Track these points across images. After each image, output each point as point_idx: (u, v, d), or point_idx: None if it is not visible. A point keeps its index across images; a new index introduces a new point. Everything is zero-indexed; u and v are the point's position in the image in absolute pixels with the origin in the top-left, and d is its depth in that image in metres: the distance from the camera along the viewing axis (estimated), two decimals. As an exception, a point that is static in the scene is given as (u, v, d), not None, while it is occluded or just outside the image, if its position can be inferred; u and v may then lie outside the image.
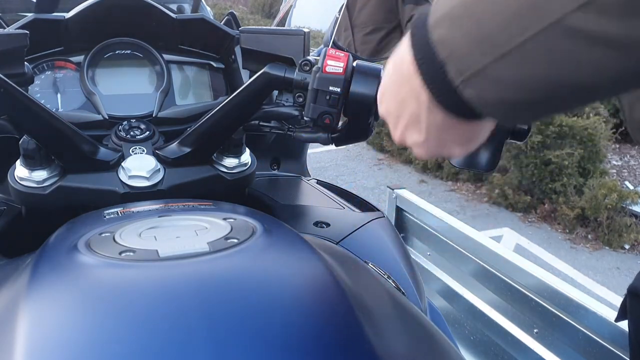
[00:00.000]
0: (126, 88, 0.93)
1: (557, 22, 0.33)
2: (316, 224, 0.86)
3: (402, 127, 0.47)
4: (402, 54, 0.43)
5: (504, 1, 0.35)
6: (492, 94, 0.37)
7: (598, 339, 1.13)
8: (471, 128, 0.44)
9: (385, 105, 0.49)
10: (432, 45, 0.39)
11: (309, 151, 1.22)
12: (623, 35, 0.31)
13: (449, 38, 0.38)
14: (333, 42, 0.93)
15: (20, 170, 0.76)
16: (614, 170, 4.85)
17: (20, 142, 0.74)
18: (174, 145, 0.83)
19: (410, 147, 0.49)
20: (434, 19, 0.39)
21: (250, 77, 0.79)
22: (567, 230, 3.95)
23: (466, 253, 1.49)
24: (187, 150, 0.82)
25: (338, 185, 1.09)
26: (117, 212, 0.65)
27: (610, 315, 1.09)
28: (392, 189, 1.75)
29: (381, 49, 1.66)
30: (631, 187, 4.51)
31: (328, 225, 0.85)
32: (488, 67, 0.36)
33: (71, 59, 0.92)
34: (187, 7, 4.29)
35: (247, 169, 0.88)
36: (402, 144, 0.50)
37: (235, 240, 0.54)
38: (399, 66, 0.44)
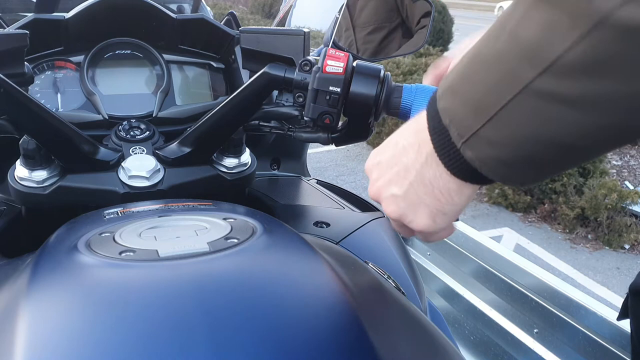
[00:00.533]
0: (126, 88, 0.93)
1: (526, 87, 0.37)
2: (316, 224, 0.86)
3: (386, 179, 0.51)
4: (421, 123, 0.47)
5: (486, 72, 0.40)
6: (487, 154, 0.42)
7: (598, 339, 1.13)
8: (460, 193, 0.47)
9: (379, 158, 0.53)
10: (438, 114, 0.44)
11: (309, 151, 1.22)
12: (581, 94, 0.35)
13: (449, 107, 0.43)
14: (333, 42, 0.93)
15: (20, 170, 0.76)
16: (614, 170, 4.85)
17: (20, 142, 0.74)
18: (174, 145, 0.83)
19: (382, 200, 0.53)
20: (440, 92, 0.45)
21: (250, 77, 0.79)
22: (567, 230, 3.95)
23: (466, 253, 1.49)
24: (187, 150, 0.82)
25: (338, 185, 1.09)
26: (117, 212, 0.65)
27: (611, 315, 1.09)
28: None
29: (383, 49, 1.65)
30: (631, 187, 4.51)
31: (328, 225, 0.85)
32: (480, 130, 0.41)
33: (71, 59, 0.92)
34: (187, 7, 4.29)
35: (247, 169, 0.88)
36: (377, 198, 0.54)
37: (235, 240, 0.54)
38: (416, 133, 0.48)
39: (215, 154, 0.86)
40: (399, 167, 0.50)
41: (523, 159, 0.41)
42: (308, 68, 0.70)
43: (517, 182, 0.45)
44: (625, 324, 0.86)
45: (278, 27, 1.04)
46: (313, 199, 0.99)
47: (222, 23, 1.01)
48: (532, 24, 0.37)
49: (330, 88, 0.66)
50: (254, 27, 0.82)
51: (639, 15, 0.32)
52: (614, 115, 0.36)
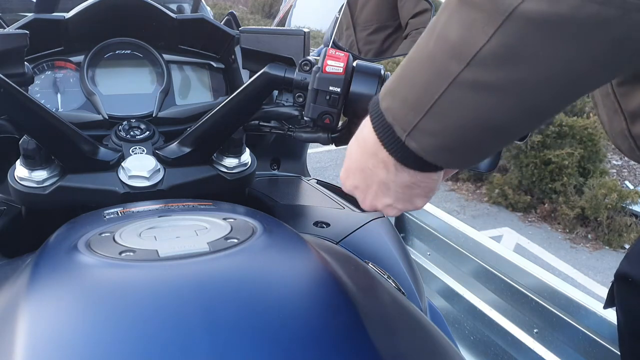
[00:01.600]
0: (126, 88, 0.93)
1: (454, 80, 0.43)
2: (316, 224, 0.86)
3: (372, 195, 0.57)
4: (364, 131, 0.53)
5: (420, 72, 0.46)
6: (428, 143, 0.47)
7: (598, 339, 1.13)
8: (430, 179, 0.53)
9: (351, 182, 0.59)
10: (382, 114, 0.50)
11: (309, 151, 1.22)
12: (499, 81, 0.41)
13: (391, 106, 0.49)
14: (333, 42, 0.93)
15: (20, 170, 0.76)
16: (614, 170, 4.85)
17: (20, 142, 0.74)
18: (174, 145, 0.83)
19: (381, 210, 0.58)
20: (381, 94, 0.50)
21: (250, 77, 0.79)
22: (567, 230, 3.96)
23: (466, 253, 1.49)
24: (187, 150, 0.82)
25: (338, 185, 1.09)
26: (117, 212, 0.65)
27: (611, 315, 1.09)
28: (392, 189, 1.74)
29: (386, 49, 1.64)
30: (631, 187, 4.51)
31: (328, 225, 0.85)
32: (420, 123, 0.46)
33: (71, 59, 0.92)
34: (187, 7, 4.30)
35: (247, 169, 0.88)
36: (373, 209, 0.59)
37: (235, 240, 0.54)
38: (363, 143, 0.53)
39: (215, 154, 0.86)
40: (377, 185, 0.55)
41: (460, 143, 0.46)
42: (308, 68, 0.70)
43: (460, 164, 0.51)
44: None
45: (278, 27, 1.04)
46: (313, 199, 0.99)
47: (222, 23, 1.01)
48: (455, 25, 0.42)
49: (330, 88, 0.66)
50: (254, 27, 0.82)
51: (539, 7, 0.37)
52: (528, 98, 0.42)
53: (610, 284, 0.85)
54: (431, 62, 0.45)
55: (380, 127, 0.50)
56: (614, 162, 4.99)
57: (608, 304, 0.87)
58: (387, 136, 0.50)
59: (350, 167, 0.58)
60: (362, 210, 0.93)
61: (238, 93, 0.77)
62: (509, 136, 0.47)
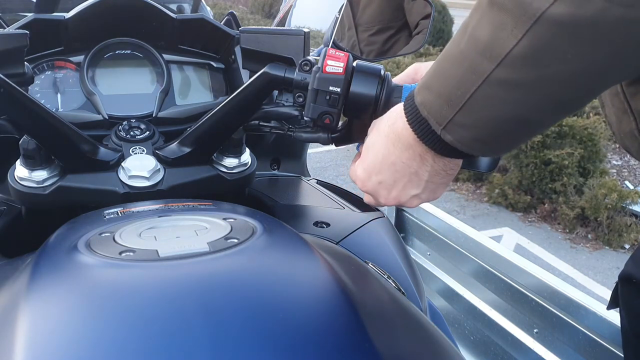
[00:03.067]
0: (126, 88, 0.93)
1: (486, 79, 0.46)
2: (316, 224, 0.86)
3: (399, 188, 0.60)
4: (397, 126, 0.56)
5: (454, 69, 0.48)
6: (463, 136, 0.50)
7: (598, 339, 1.13)
8: (457, 165, 0.58)
9: (376, 179, 0.61)
10: (417, 108, 0.52)
11: (309, 151, 1.22)
12: (530, 79, 0.44)
13: (426, 101, 0.51)
14: (333, 42, 0.93)
15: (20, 170, 0.76)
16: (614, 170, 4.85)
17: (20, 142, 0.74)
18: (174, 145, 0.83)
19: (404, 202, 0.61)
20: (417, 89, 0.53)
21: (250, 77, 0.79)
22: (567, 230, 3.95)
23: (466, 253, 1.49)
24: (187, 150, 0.82)
25: (338, 185, 1.09)
26: (117, 212, 0.65)
27: (611, 315, 1.09)
28: (392, 189, 1.74)
29: (387, 50, 1.63)
30: (631, 187, 4.50)
31: (328, 225, 0.85)
32: (454, 117, 0.49)
33: (71, 59, 0.92)
34: (187, 7, 4.30)
35: (247, 169, 0.88)
36: (395, 203, 0.62)
37: (235, 240, 0.54)
38: (395, 138, 0.56)
39: (215, 154, 0.86)
40: (408, 177, 0.58)
41: (493, 135, 0.50)
42: (308, 68, 0.70)
43: (493, 153, 0.55)
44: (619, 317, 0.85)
45: (278, 27, 1.04)
46: (313, 199, 0.99)
47: (222, 23, 1.01)
48: (486, 26, 0.45)
49: (330, 88, 0.66)
50: (254, 27, 0.82)
51: (566, 11, 0.40)
52: (556, 94, 0.45)
53: (614, 285, 0.85)
54: (464, 59, 0.47)
55: (415, 121, 0.53)
56: (614, 162, 4.99)
57: (612, 305, 0.87)
58: (423, 129, 0.53)
59: (374, 165, 0.60)
60: (362, 211, 0.93)
61: (238, 93, 0.77)
62: (537, 128, 0.50)
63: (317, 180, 1.12)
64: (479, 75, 0.46)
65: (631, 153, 0.71)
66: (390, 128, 0.57)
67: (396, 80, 0.70)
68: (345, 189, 1.06)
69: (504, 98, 0.46)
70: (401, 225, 1.74)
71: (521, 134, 0.51)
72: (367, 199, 0.66)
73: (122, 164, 0.80)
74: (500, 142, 0.51)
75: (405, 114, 0.54)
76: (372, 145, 0.60)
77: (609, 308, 0.89)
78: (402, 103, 0.56)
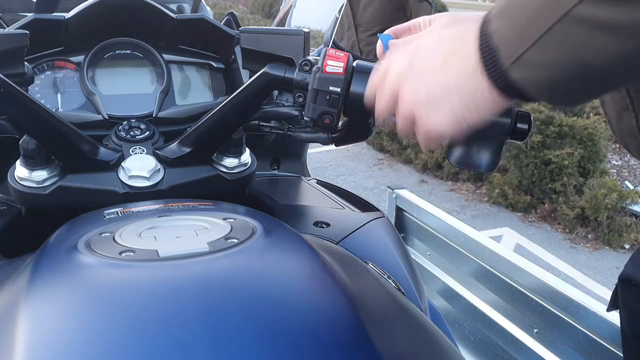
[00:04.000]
0: (126, 88, 0.93)
1: (567, 13, 0.40)
2: (316, 224, 0.86)
3: (445, 110, 0.52)
4: (467, 49, 0.49)
5: None
6: (531, 76, 0.45)
7: (598, 339, 1.13)
8: (486, 108, 0.50)
9: (423, 90, 0.52)
10: (489, 36, 0.47)
11: (309, 151, 1.22)
12: (617, 20, 0.38)
13: (499, 29, 0.46)
14: (333, 42, 0.93)
15: (20, 170, 0.76)
16: (614, 170, 4.85)
17: (20, 142, 0.74)
18: (174, 145, 0.83)
19: (403, 92, 0.54)
20: (491, 15, 0.48)
21: (250, 77, 0.79)
22: (567, 230, 3.95)
23: (466, 253, 1.49)
24: (187, 150, 0.82)
25: (338, 185, 1.09)
26: (117, 212, 0.65)
27: (611, 315, 1.09)
28: (392, 189, 1.74)
29: None
30: (631, 187, 4.50)
31: (328, 225, 0.85)
32: (526, 52, 0.44)
33: (71, 59, 0.92)
34: (187, 7, 4.30)
35: (247, 169, 0.88)
36: (395, 89, 0.55)
37: (235, 240, 0.54)
38: (463, 61, 0.49)
39: (215, 154, 0.86)
40: (436, 69, 0.51)
41: (564, 81, 0.44)
42: (308, 68, 0.70)
43: (558, 102, 0.49)
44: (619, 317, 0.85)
45: (278, 27, 1.05)
46: (313, 199, 0.99)
47: (222, 23, 1.01)
48: None
49: (330, 88, 0.66)
50: (254, 27, 0.82)
51: None
52: None
53: (614, 286, 0.85)
54: None
55: (486, 49, 0.48)
56: (614, 162, 4.99)
57: (612, 307, 0.87)
58: (490, 60, 0.47)
59: (419, 61, 0.53)
60: (362, 211, 0.93)
61: (238, 93, 0.77)
62: (613, 80, 0.45)
63: (317, 180, 1.12)
64: (559, 9, 0.40)
65: (631, 151, 0.70)
66: (458, 43, 0.50)
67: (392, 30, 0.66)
68: (345, 189, 1.06)
69: (584, 38, 0.40)
70: (401, 225, 1.74)
71: (592, 85, 0.45)
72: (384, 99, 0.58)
73: (122, 164, 0.80)
74: (568, 90, 0.46)
75: (480, 38, 0.48)
76: (428, 40, 0.53)
77: (608, 310, 0.88)
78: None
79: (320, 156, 5.33)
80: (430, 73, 0.52)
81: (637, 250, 0.83)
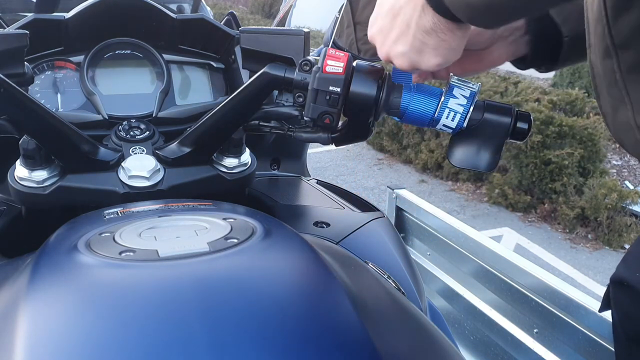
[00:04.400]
0: (126, 88, 0.93)
1: None
2: (316, 224, 0.86)
3: (391, 40, 0.60)
4: None
5: None
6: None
7: (598, 339, 1.13)
8: (451, 33, 0.56)
9: (377, 25, 0.62)
10: None
11: (309, 151, 1.22)
12: None
13: None
14: (333, 42, 0.93)
15: (20, 170, 0.76)
16: (614, 170, 4.85)
17: (20, 142, 0.74)
18: (174, 145, 0.83)
19: (393, 59, 0.62)
20: None
21: (250, 77, 0.79)
22: (567, 230, 3.96)
23: (466, 253, 1.49)
24: (187, 150, 0.82)
25: (338, 185, 1.09)
26: (117, 212, 0.65)
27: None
28: (392, 189, 1.75)
29: None
30: (631, 187, 4.51)
31: (328, 225, 0.85)
32: None
33: (71, 59, 0.92)
34: (187, 7, 4.29)
35: (247, 169, 0.88)
36: (387, 58, 0.62)
37: (235, 240, 0.54)
38: None
39: (215, 154, 0.86)
40: (399, 26, 0.58)
41: (486, 5, 0.49)
42: (308, 68, 0.70)
43: (479, 22, 0.53)
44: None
45: (278, 27, 1.04)
46: (313, 199, 0.99)
47: (222, 23, 1.01)
48: None
49: (330, 88, 0.66)
50: (254, 27, 0.82)
51: None
52: None
53: (606, 287, 0.85)
54: None
55: None
56: (614, 162, 4.99)
57: (604, 307, 0.87)
58: None
59: (380, 11, 0.61)
60: (362, 211, 0.93)
61: (238, 93, 0.77)
62: (532, 3, 0.49)
63: (317, 180, 1.12)
64: None
65: (626, 147, 0.69)
66: None
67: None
68: (345, 189, 1.06)
69: None
70: (401, 225, 1.74)
71: (513, 6, 0.49)
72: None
73: (122, 164, 0.80)
74: (490, 12, 0.50)
75: None
76: None
77: (601, 310, 0.89)
78: None
79: (320, 156, 5.33)
80: (395, 32, 0.59)
81: (628, 251, 0.84)
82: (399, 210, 1.73)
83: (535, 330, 1.29)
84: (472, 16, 0.51)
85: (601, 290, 0.86)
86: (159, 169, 0.81)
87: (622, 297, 0.82)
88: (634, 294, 0.79)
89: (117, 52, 0.94)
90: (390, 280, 0.71)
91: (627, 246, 3.74)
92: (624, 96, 0.62)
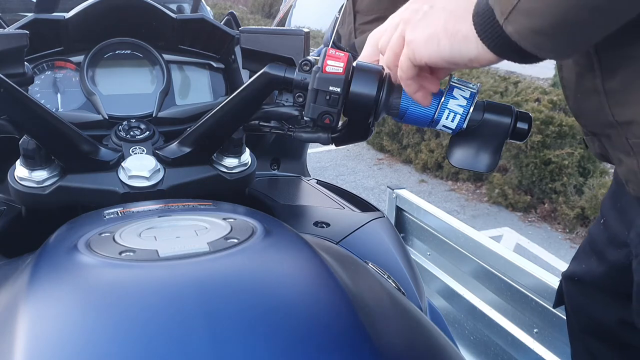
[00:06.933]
0: (126, 88, 0.93)
1: None
2: (316, 224, 0.86)
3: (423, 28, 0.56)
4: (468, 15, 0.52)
5: None
6: (525, 25, 0.46)
7: (598, 339, 1.13)
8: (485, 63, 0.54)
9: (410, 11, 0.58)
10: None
11: (309, 151, 1.22)
12: None
13: None
14: (333, 42, 0.93)
15: (20, 170, 0.76)
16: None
17: (20, 142, 0.74)
18: (174, 145, 0.83)
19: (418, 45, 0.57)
20: None
21: (250, 77, 0.79)
22: (567, 230, 3.95)
23: (466, 253, 1.49)
24: (187, 150, 0.82)
25: (338, 185, 1.09)
26: (117, 212, 0.65)
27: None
28: (392, 189, 1.75)
29: None
30: (631, 187, 4.50)
31: (328, 225, 0.86)
32: (519, 3, 0.46)
33: (71, 59, 0.92)
34: (187, 7, 4.30)
35: (247, 169, 0.88)
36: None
37: (235, 240, 0.54)
38: (456, 18, 0.53)
39: (215, 154, 0.86)
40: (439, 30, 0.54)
41: (558, 26, 0.46)
42: (308, 68, 0.70)
43: (552, 51, 0.49)
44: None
45: (278, 27, 1.05)
46: (313, 199, 0.99)
47: (222, 23, 1.01)
48: None
49: (330, 88, 0.66)
50: (254, 27, 0.82)
51: None
52: None
53: (559, 283, 0.87)
54: None
55: (481, 11, 0.50)
56: (614, 162, 4.99)
57: (557, 303, 0.89)
58: (485, 21, 0.50)
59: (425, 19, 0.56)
60: (362, 211, 0.93)
61: (238, 93, 0.77)
62: (609, 19, 0.46)
63: (317, 180, 1.12)
64: None
65: (584, 117, 0.67)
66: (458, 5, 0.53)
67: (363, 57, 0.69)
68: (345, 189, 1.06)
69: None
70: (401, 225, 1.74)
71: (587, 27, 0.46)
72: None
73: (122, 164, 0.80)
74: (562, 37, 0.47)
75: (475, 4, 0.51)
76: (431, 9, 0.56)
77: (555, 306, 0.91)
78: None
79: (320, 156, 5.33)
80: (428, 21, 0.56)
81: (578, 250, 0.85)
82: (399, 210, 1.73)
83: (535, 330, 1.29)
84: (543, 45, 0.48)
85: (601, 291, 0.88)
86: (159, 169, 0.81)
87: (573, 291, 0.84)
88: (583, 287, 0.81)
89: (117, 52, 0.94)
90: (390, 280, 0.71)
91: (627, 246, 3.74)
92: (594, 63, 0.60)
